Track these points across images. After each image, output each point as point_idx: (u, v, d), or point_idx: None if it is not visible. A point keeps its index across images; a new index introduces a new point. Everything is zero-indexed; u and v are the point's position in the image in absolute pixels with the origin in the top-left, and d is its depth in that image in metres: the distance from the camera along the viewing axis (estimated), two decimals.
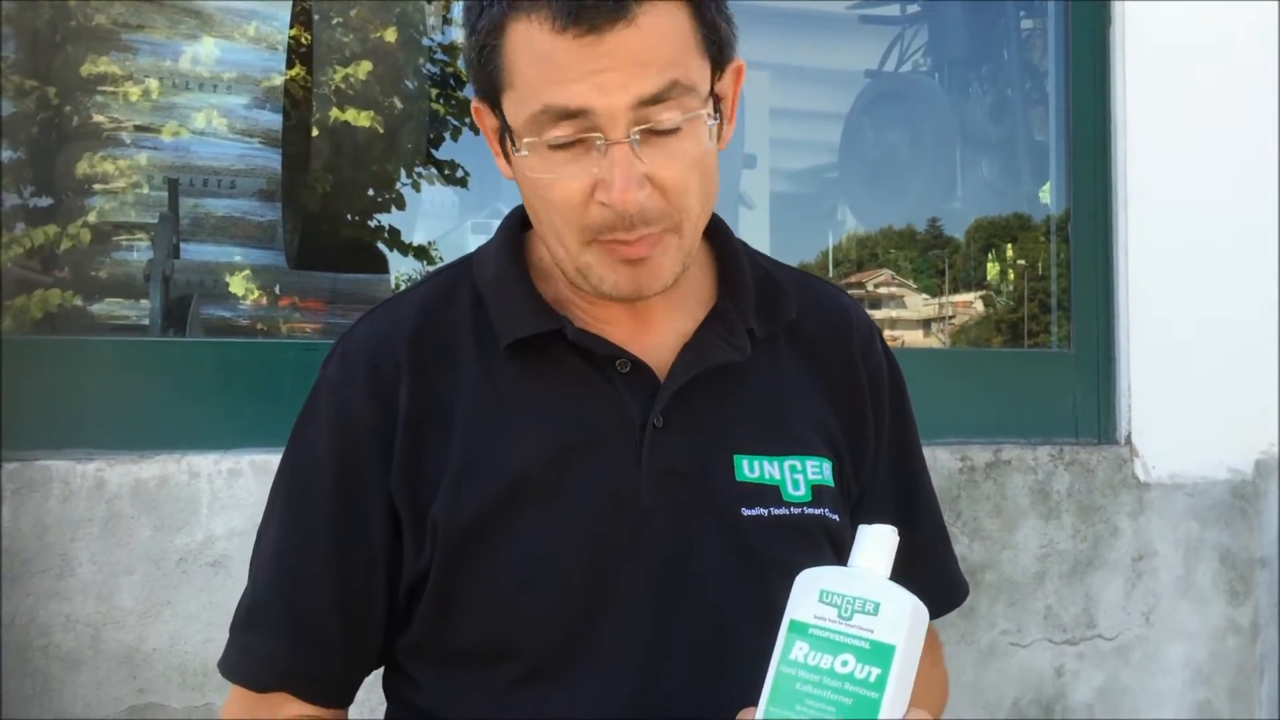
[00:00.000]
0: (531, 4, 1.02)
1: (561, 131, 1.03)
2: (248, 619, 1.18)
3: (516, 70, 1.04)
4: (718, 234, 1.24)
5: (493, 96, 1.09)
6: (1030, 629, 2.47)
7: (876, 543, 0.99)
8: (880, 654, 0.93)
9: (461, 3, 1.12)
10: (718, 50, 1.09)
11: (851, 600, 0.95)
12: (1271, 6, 2.64)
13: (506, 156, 1.12)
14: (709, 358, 1.15)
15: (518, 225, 1.22)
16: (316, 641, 1.15)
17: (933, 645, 1.32)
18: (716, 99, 1.09)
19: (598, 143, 1.02)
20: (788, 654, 0.96)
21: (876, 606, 0.94)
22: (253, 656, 1.17)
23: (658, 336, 1.18)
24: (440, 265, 1.26)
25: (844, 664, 0.94)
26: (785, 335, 1.23)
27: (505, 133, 1.09)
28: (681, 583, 1.11)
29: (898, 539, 0.99)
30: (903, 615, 0.94)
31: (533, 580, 1.10)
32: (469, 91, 1.18)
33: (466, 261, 1.23)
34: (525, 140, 1.05)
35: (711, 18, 1.07)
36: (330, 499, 1.15)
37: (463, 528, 1.10)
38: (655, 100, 1.02)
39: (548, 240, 1.12)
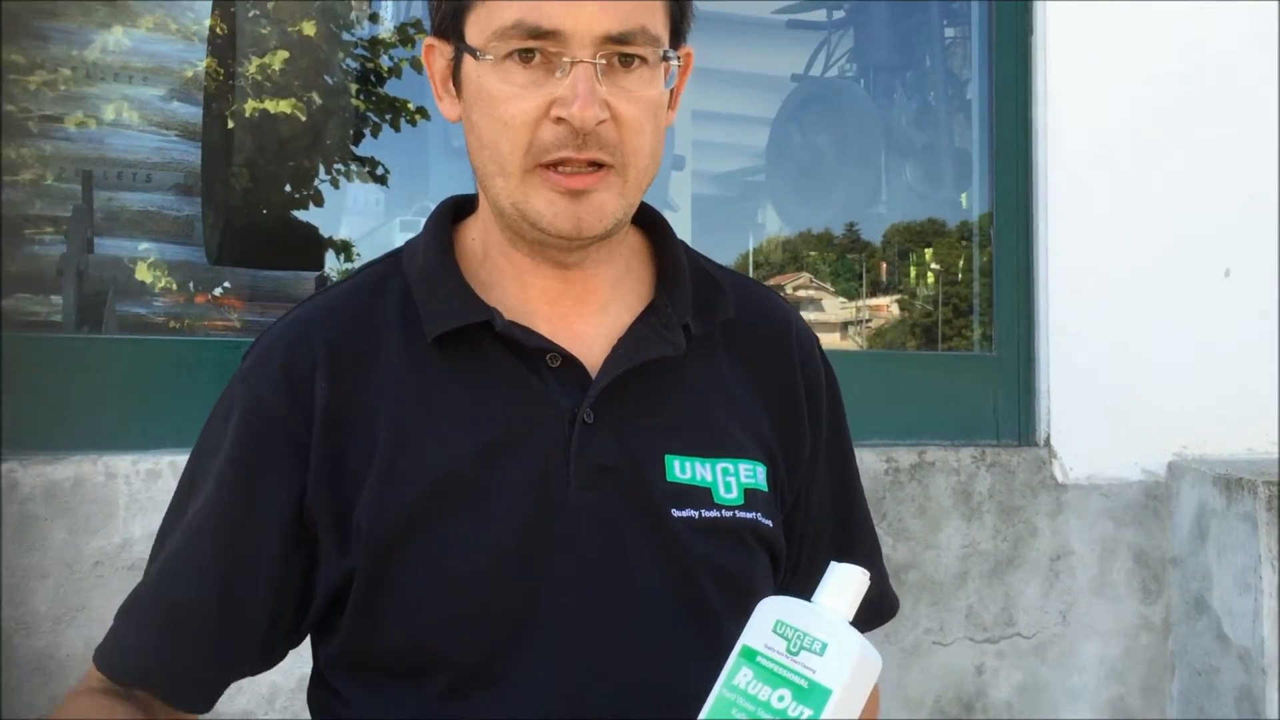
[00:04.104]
0: None
1: (530, 44, 1.05)
2: (127, 608, 1.15)
3: None
4: (657, 228, 1.23)
5: (456, 19, 1.10)
6: (952, 628, 2.51)
7: (843, 583, 0.97)
8: (816, 695, 0.91)
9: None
10: (679, 14, 1.13)
11: (802, 636, 0.94)
12: (1189, 13, 2.72)
13: (456, 86, 1.13)
14: (642, 352, 1.14)
15: (448, 216, 1.21)
16: (186, 638, 1.11)
17: None
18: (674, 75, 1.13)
19: (563, 61, 1.05)
20: (732, 678, 0.95)
21: (824, 647, 0.92)
22: (121, 644, 1.14)
23: (592, 328, 1.16)
24: (371, 259, 1.24)
25: (780, 699, 0.92)
26: (723, 337, 1.21)
27: (460, 60, 1.11)
28: (611, 583, 1.10)
29: (867, 582, 0.98)
30: (847, 660, 0.92)
31: (460, 581, 1.08)
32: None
33: (397, 255, 1.21)
34: (491, 46, 1.07)
35: None
36: (227, 498, 1.11)
37: (388, 529, 1.08)
38: (622, 40, 1.06)
39: (488, 175, 1.11)
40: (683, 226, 3.23)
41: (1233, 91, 2.73)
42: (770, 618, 0.96)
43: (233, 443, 1.12)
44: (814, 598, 0.97)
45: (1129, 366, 2.64)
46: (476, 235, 1.19)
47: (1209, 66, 2.72)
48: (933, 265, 3.27)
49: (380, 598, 1.08)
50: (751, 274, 3.47)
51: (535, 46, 1.06)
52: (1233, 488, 2.47)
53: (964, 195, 3.05)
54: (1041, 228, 2.66)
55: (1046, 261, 2.64)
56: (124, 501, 1.98)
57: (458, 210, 1.22)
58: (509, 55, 1.06)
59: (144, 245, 2.72)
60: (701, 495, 1.13)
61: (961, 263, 3.12)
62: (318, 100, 3.01)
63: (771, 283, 3.55)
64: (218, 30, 2.87)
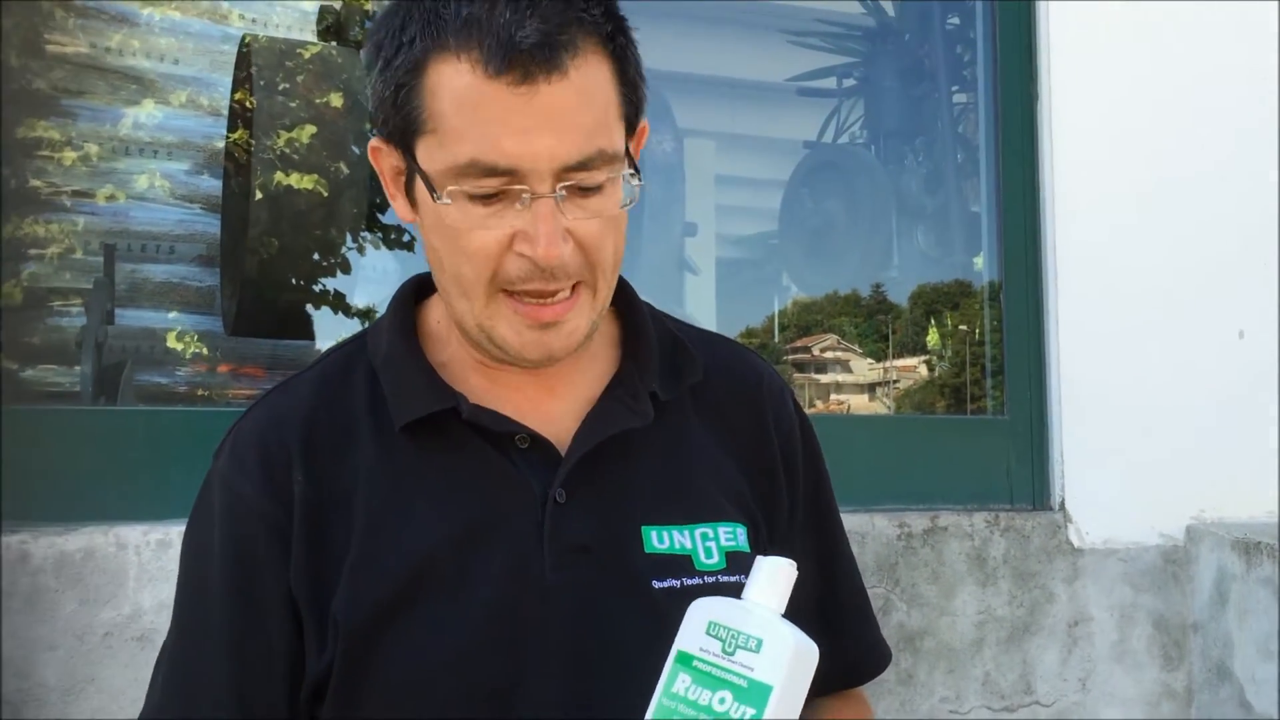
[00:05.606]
0: (461, 43, 1.00)
1: (488, 184, 1.02)
2: None
3: (439, 114, 1.02)
4: (621, 295, 1.22)
5: (405, 138, 1.06)
6: (969, 696, 2.47)
7: (771, 576, 0.96)
8: (757, 693, 0.90)
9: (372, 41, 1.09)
10: (634, 112, 1.10)
11: (736, 635, 0.92)
12: (1194, 82, 2.72)
13: (410, 197, 1.10)
14: (609, 426, 1.13)
15: (410, 298, 1.20)
16: None
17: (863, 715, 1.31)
18: (630, 159, 1.11)
19: (523, 196, 1.02)
20: (670, 686, 0.94)
21: (759, 644, 0.91)
22: None
23: (561, 403, 1.16)
24: (335, 344, 1.24)
25: (721, 701, 0.91)
26: (692, 399, 1.21)
27: (413, 175, 1.07)
28: (594, 660, 1.08)
29: (795, 573, 0.96)
30: (784, 654, 0.91)
31: (439, 670, 1.06)
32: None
33: (362, 338, 1.21)
34: (448, 189, 1.03)
35: (632, 77, 1.09)
36: (225, 605, 1.10)
37: (364, 619, 1.06)
38: (582, 167, 1.03)
39: (450, 295, 1.10)
40: (707, 289, 3.25)
41: (1242, 157, 2.71)
42: (703, 620, 0.95)
43: (220, 549, 1.11)
44: (744, 594, 0.96)
45: (1143, 429, 2.61)
46: (440, 317, 1.19)
47: (1217, 132, 2.71)
48: (959, 327, 3.27)
49: (358, 688, 1.07)
50: (777, 335, 3.47)
51: (493, 188, 1.02)
52: (1252, 552, 2.43)
53: (975, 259, 3.05)
54: (1051, 292, 2.65)
55: (1057, 325, 2.63)
56: (134, 572, 2.00)
57: (420, 288, 1.21)
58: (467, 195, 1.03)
59: (166, 316, 2.77)
60: (682, 563, 1.12)
61: (978, 326, 3.12)
62: (344, 170, 3.07)
63: (799, 343, 3.55)
64: (247, 104, 2.94)
